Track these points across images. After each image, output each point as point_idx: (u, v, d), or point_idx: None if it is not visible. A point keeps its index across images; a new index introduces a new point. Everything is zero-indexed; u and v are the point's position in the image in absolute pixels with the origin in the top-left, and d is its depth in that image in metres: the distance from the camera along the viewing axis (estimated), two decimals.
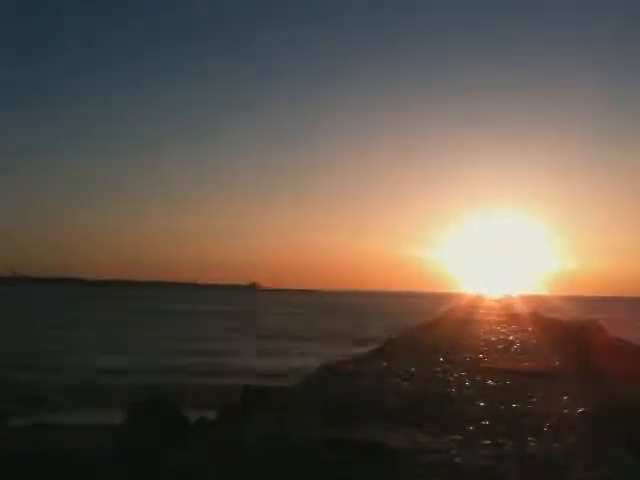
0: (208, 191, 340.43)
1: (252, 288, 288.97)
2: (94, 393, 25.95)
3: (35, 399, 22.61)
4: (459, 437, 9.11)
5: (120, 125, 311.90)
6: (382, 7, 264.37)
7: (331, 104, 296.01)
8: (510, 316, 51.22)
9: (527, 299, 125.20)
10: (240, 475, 7.37)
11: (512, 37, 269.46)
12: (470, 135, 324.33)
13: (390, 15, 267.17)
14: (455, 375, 15.25)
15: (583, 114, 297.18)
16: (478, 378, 14.81)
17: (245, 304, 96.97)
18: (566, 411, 11.09)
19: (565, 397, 12.32)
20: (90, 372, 32.96)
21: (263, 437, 8.88)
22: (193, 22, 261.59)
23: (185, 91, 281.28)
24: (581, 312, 57.11)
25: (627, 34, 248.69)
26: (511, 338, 27.78)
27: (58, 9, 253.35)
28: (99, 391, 27.14)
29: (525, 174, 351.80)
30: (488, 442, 8.84)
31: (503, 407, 11.37)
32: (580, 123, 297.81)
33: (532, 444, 8.82)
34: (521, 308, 71.64)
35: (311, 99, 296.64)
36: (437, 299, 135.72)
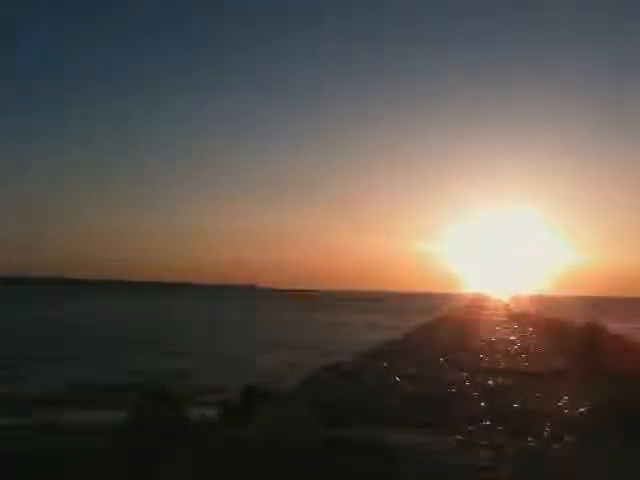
0: (208, 191, 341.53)
1: (252, 288, 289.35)
2: None
3: None
4: (459, 437, 9.11)
5: (120, 125, 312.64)
6: (382, 7, 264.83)
7: (332, 102, 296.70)
8: (511, 316, 51.34)
9: (531, 298, 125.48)
10: (240, 475, 7.37)
11: (513, 37, 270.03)
12: (474, 133, 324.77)
13: (390, 16, 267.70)
14: (455, 375, 15.25)
15: (588, 111, 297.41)
16: (479, 378, 14.81)
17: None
18: (567, 411, 11.09)
19: (566, 397, 12.32)
20: None
21: (263, 437, 8.88)
22: (193, 22, 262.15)
23: (185, 91, 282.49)
24: (584, 312, 57.00)
25: (628, 33, 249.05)
26: (512, 338, 27.80)
27: (59, 9, 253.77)
28: None
29: (530, 173, 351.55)
30: (488, 442, 8.83)
31: (503, 407, 11.37)
32: (587, 120, 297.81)
33: (532, 444, 8.82)
34: (523, 308, 71.80)
35: (311, 98, 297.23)
36: (441, 299, 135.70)
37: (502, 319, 46.32)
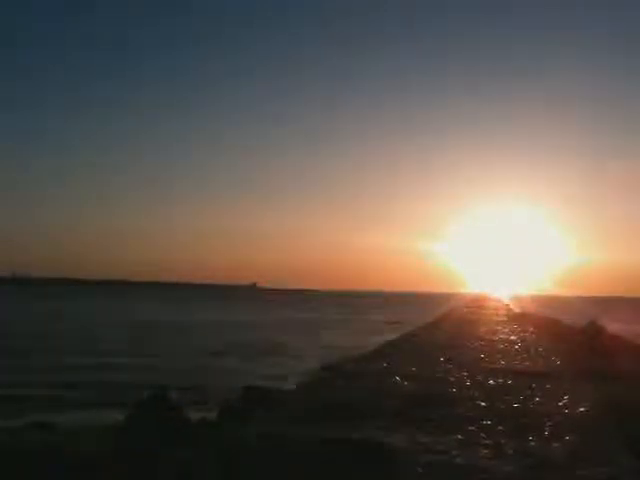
0: (208, 191, 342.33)
1: (252, 288, 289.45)
2: None
3: None
4: (460, 437, 9.11)
5: (120, 125, 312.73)
6: (382, 7, 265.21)
7: (331, 101, 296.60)
8: (512, 316, 51.35)
9: (531, 298, 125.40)
10: (240, 475, 7.37)
11: (513, 37, 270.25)
12: (475, 133, 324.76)
13: (391, 15, 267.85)
14: (456, 375, 15.25)
15: (590, 110, 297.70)
16: (479, 378, 14.80)
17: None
18: (566, 411, 11.09)
19: (565, 397, 12.32)
20: None
21: (263, 437, 8.88)
22: (194, 24, 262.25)
23: (185, 91, 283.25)
24: (585, 312, 57.01)
25: (628, 33, 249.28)
26: (512, 338, 27.79)
27: (59, 9, 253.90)
28: None
29: (531, 172, 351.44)
30: (488, 442, 8.83)
31: (504, 407, 11.37)
32: (588, 119, 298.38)
33: (532, 444, 8.81)
34: (523, 308, 71.74)
35: (311, 98, 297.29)
36: (441, 299, 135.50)
37: (503, 319, 46.29)
